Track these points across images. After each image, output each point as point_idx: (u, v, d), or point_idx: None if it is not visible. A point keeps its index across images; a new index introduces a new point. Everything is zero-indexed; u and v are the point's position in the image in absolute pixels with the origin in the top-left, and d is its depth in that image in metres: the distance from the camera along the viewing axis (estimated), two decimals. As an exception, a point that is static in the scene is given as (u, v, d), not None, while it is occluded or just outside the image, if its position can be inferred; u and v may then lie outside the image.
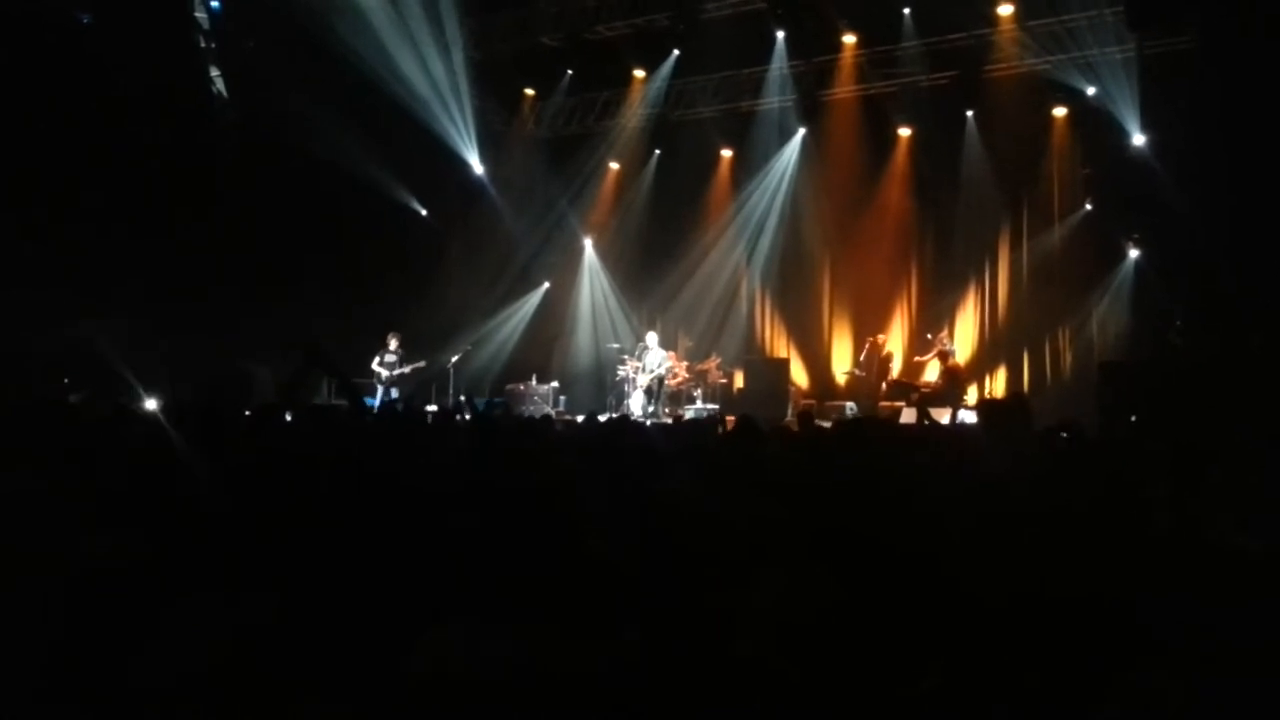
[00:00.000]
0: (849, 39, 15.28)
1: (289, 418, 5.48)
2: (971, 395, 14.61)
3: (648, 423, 12.23)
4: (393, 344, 14.63)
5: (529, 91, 17.75)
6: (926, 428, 7.47)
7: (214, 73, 14.97)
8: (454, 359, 15.07)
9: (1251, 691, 1.90)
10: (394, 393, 14.31)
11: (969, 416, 11.67)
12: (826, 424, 8.63)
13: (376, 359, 14.56)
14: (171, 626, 2.19)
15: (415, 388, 14.78)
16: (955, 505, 2.91)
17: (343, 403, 9.03)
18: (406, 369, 14.49)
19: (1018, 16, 13.75)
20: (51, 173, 11.90)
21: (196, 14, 14.75)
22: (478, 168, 17.03)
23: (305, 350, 5.82)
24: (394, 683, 2.02)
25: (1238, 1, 9.95)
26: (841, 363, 16.72)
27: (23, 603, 2.23)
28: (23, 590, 2.28)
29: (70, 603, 2.27)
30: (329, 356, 5.99)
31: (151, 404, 8.58)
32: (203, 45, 14.88)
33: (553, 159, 17.92)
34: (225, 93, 15.04)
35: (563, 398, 16.84)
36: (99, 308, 10.51)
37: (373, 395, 14.01)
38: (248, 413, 5.96)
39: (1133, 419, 9.30)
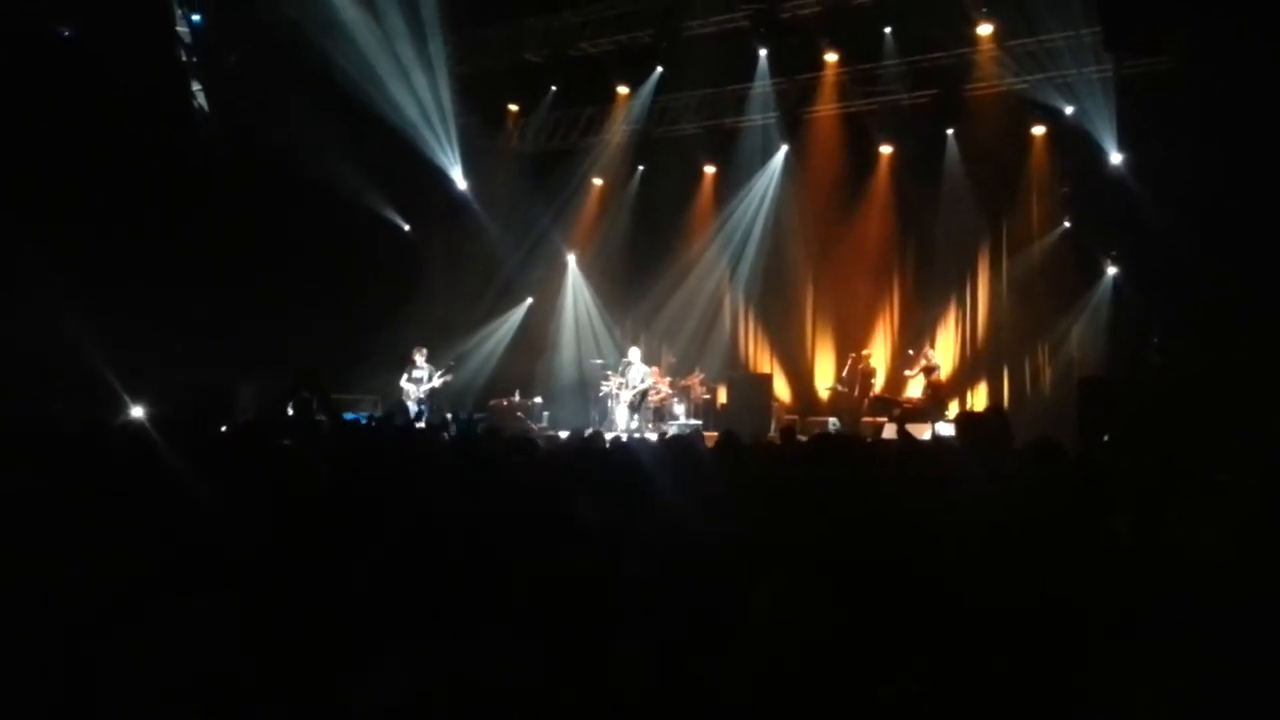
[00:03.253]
0: (830, 57, 15.37)
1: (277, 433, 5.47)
2: (952, 411, 14.67)
3: (624, 438, 12.19)
4: (419, 359, 14.65)
5: (513, 107, 17.75)
6: (905, 443, 7.49)
7: (195, 86, 14.93)
8: (438, 374, 15.04)
9: (1217, 695, 1.92)
10: (423, 408, 14.29)
11: (948, 429, 11.70)
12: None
13: (404, 375, 14.57)
14: (169, 630, 2.19)
15: (446, 399, 14.81)
16: (936, 515, 2.93)
17: (322, 418, 8.99)
18: (437, 382, 14.52)
19: (997, 36, 13.88)
20: (25, 182, 11.82)
21: (178, 28, 14.71)
22: (461, 182, 17.00)
23: (298, 374, 5.89)
24: (380, 688, 2.03)
25: (1215, 21, 10.09)
26: (824, 378, 16.76)
27: (23, 602, 2.22)
28: (23, 590, 2.27)
29: (70, 602, 2.26)
30: (317, 378, 6.06)
31: (137, 412, 8.53)
32: (184, 59, 14.84)
33: (536, 174, 17.90)
34: (206, 106, 15.00)
35: (546, 413, 16.81)
36: (83, 315, 10.45)
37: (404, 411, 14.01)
38: (224, 428, 5.95)
39: (1105, 438, 9.34)
